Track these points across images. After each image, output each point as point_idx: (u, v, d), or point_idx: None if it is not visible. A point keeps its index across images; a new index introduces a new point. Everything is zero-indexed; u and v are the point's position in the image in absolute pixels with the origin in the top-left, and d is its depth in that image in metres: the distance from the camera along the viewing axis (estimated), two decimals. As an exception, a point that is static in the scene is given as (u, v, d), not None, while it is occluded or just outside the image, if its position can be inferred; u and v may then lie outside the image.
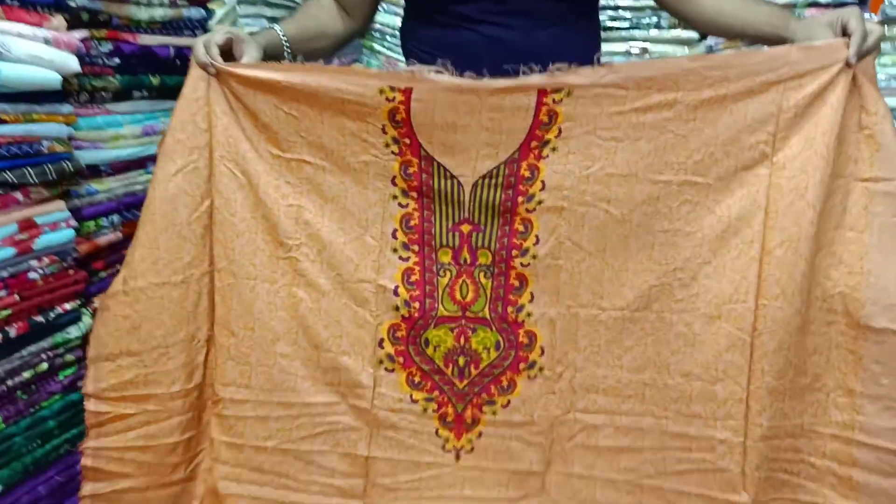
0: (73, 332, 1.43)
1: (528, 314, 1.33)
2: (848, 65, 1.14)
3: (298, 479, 1.42)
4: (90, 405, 1.32)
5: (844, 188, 1.20)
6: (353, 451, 1.40)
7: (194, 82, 1.29)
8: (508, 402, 1.37)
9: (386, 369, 1.37)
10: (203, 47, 1.28)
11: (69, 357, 1.43)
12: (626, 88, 1.21)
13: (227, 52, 1.30)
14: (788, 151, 1.20)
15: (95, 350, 1.31)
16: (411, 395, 1.38)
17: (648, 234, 1.26)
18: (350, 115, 1.27)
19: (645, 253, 1.27)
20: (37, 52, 1.26)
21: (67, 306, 1.41)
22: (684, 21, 1.45)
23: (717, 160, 1.23)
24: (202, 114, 1.31)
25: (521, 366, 1.35)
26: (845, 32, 1.16)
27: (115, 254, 1.54)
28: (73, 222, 1.41)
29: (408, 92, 1.24)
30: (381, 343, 1.36)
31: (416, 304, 1.35)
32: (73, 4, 1.35)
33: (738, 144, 1.21)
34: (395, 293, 1.35)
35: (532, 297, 1.32)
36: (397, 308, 1.35)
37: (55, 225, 1.37)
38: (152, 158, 1.55)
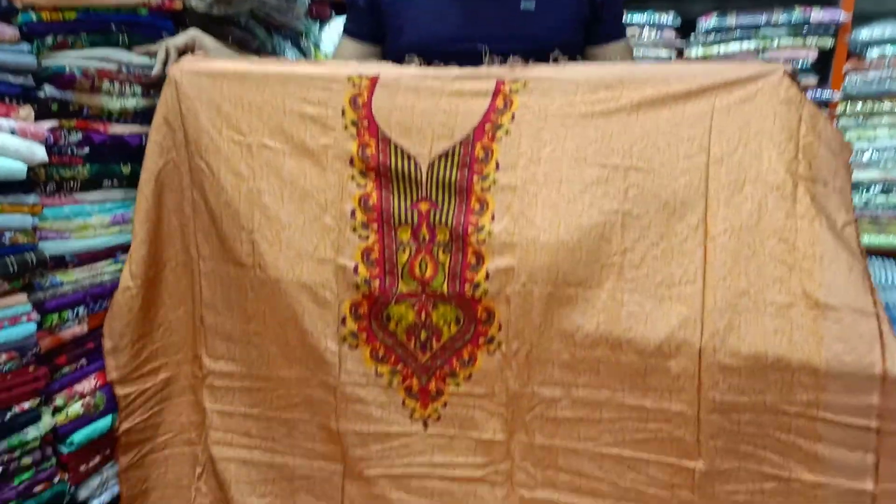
0: (32, 432, 1.34)
1: (485, 291, 1.35)
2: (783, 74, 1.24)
3: (284, 444, 1.53)
4: (118, 390, 1.52)
5: (792, 182, 1.24)
6: (328, 422, 1.47)
7: (165, 87, 1.45)
8: (470, 374, 1.40)
9: (349, 346, 1.42)
10: (164, 50, 1.47)
11: (26, 460, 1.34)
12: (576, 83, 1.32)
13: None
14: (725, 146, 1.26)
15: (112, 342, 1.49)
16: (376, 369, 1.43)
17: (600, 213, 1.30)
18: (312, 102, 1.39)
19: (596, 231, 1.30)
20: (2, 143, 1.24)
21: (26, 405, 1.33)
22: None
23: (659, 149, 1.28)
24: (173, 113, 1.45)
25: (481, 340, 1.38)
26: None
27: (79, 347, 1.47)
28: (35, 315, 1.35)
29: (374, 79, 1.38)
30: (343, 321, 1.41)
31: (377, 282, 1.39)
32: (41, 95, 1.34)
33: (678, 136, 1.28)
34: (355, 272, 1.39)
35: (487, 274, 1.34)
36: (358, 286, 1.40)
37: (15, 319, 1.31)
38: (123, 248, 1.53)
